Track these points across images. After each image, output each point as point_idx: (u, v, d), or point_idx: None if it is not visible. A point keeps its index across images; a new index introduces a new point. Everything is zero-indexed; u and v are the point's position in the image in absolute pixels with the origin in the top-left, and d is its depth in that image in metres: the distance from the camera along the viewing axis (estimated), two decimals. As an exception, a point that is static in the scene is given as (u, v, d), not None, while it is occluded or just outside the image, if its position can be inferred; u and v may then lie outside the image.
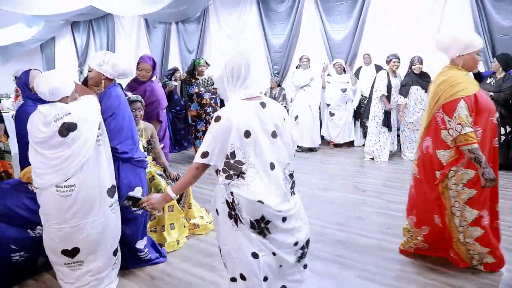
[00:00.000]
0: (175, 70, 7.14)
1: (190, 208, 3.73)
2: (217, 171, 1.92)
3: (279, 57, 8.73)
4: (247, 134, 1.83)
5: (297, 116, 6.83)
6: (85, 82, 5.18)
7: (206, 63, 6.00)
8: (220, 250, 2.06)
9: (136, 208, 2.39)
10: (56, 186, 2.39)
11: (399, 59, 5.96)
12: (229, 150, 1.84)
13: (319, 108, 7.18)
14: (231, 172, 1.86)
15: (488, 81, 5.33)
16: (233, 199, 1.87)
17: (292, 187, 1.99)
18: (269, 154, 1.88)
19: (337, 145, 7.17)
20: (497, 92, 5.14)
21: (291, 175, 1.98)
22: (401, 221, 3.66)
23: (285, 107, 8.45)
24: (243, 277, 1.93)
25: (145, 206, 2.11)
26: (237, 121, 1.82)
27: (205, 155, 1.88)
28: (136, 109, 3.33)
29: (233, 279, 1.98)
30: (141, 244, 2.97)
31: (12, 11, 6.77)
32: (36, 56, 14.43)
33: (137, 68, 4.00)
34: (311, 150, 6.91)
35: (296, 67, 7.14)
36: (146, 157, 3.00)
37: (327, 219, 3.85)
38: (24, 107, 2.90)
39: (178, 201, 3.61)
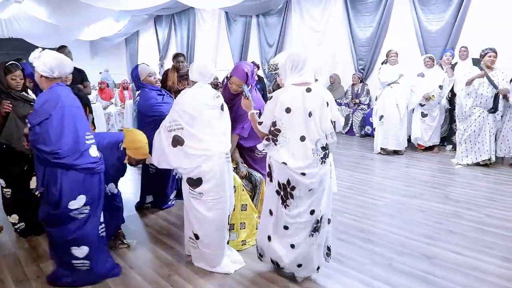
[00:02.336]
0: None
1: None
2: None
3: (364, 51, 8.24)
4: (288, 110, 2.41)
5: (382, 116, 6.30)
6: (165, 75, 5.29)
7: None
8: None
9: None
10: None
11: (496, 53, 5.20)
12: (273, 119, 2.47)
13: (407, 107, 6.54)
14: (270, 136, 2.50)
15: None
16: (270, 162, 2.52)
17: (324, 157, 2.47)
18: (301, 129, 2.42)
19: (425, 149, 6.51)
20: None
21: (323, 148, 2.46)
22: (501, 240, 3.26)
23: (368, 104, 7.96)
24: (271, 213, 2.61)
25: None
26: (281, 100, 2.43)
27: (260, 124, 2.56)
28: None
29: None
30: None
31: (105, 7, 7.06)
32: (121, 50, 15.33)
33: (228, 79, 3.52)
34: (396, 153, 6.35)
35: (382, 63, 6.62)
36: (99, 164, 2.66)
37: (414, 230, 3.46)
38: (148, 93, 3.76)
39: (252, 198, 3.40)
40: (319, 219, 2.53)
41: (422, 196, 4.35)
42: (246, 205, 3.24)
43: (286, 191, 2.47)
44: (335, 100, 8.37)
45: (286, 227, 2.54)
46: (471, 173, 5.24)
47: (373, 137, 6.66)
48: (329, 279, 2.70)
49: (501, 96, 5.25)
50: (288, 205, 2.49)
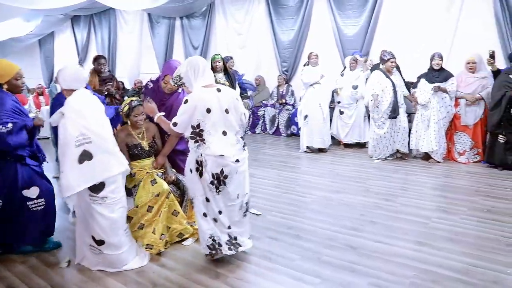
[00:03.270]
0: None
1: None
2: (188, 138, 2.73)
3: (288, 53, 8.51)
4: (208, 110, 2.65)
5: (306, 116, 6.53)
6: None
7: (222, 58, 5.62)
8: (192, 200, 2.91)
9: None
10: None
11: (395, 57, 5.76)
12: (195, 122, 2.66)
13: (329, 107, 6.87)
14: (197, 138, 2.68)
15: None
16: (202, 158, 2.67)
17: (244, 145, 2.85)
18: (222, 125, 2.71)
19: (348, 146, 6.88)
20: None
21: (242, 138, 2.85)
22: (415, 226, 3.53)
23: (293, 104, 8.20)
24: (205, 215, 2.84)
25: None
26: (200, 102, 2.65)
27: (174, 124, 2.72)
28: (139, 114, 3.24)
29: (205, 214, 2.82)
30: None
31: (10, 5, 6.49)
32: (34, 52, 14.24)
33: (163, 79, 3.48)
34: (321, 150, 6.62)
35: (304, 65, 6.88)
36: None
37: (339, 224, 3.62)
38: None
39: (181, 203, 3.35)
40: (246, 202, 2.92)
41: (346, 191, 4.57)
42: (178, 212, 3.22)
43: (219, 180, 2.70)
44: (261, 101, 8.66)
45: (220, 212, 2.78)
46: (388, 166, 5.63)
47: (299, 136, 6.88)
48: (259, 277, 2.73)
49: (401, 97, 5.77)
50: (220, 191, 2.73)
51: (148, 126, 3.40)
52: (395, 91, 5.72)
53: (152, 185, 3.18)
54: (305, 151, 6.59)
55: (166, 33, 10.63)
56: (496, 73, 5.35)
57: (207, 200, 2.76)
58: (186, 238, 3.30)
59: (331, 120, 6.83)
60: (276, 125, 8.36)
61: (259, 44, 8.90)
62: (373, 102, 5.81)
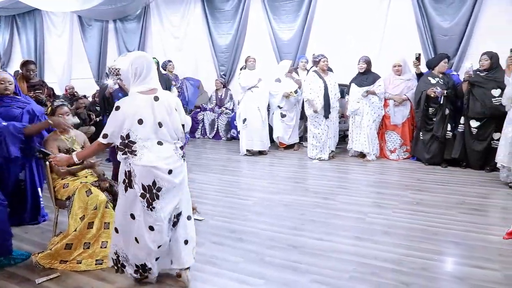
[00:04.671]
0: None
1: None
2: (117, 148, 2.43)
3: (225, 57, 8.52)
4: (140, 121, 2.37)
5: (245, 119, 6.57)
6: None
7: (157, 62, 5.54)
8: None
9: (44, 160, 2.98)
10: None
11: (326, 58, 6.01)
12: (125, 132, 2.37)
13: (268, 110, 6.98)
14: (126, 149, 2.39)
15: (434, 81, 5.45)
16: (130, 169, 2.41)
17: (183, 156, 2.57)
18: (157, 136, 2.42)
19: (287, 147, 7.02)
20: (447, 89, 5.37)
21: (181, 147, 2.56)
22: (353, 222, 3.69)
23: (232, 109, 8.22)
24: (116, 230, 2.59)
25: (51, 161, 2.70)
26: (131, 111, 2.36)
27: (105, 136, 2.42)
28: (63, 114, 3.20)
29: (116, 230, 2.59)
30: None
31: None
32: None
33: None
34: (261, 153, 6.70)
35: (241, 69, 6.93)
36: None
37: (280, 224, 3.69)
38: None
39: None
40: (176, 214, 2.56)
41: (286, 191, 4.66)
42: (109, 223, 3.02)
43: (152, 193, 2.41)
44: (201, 105, 8.59)
45: (151, 228, 2.46)
46: (325, 166, 5.83)
47: (239, 139, 6.91)
48: (205, 284, 2.69)
49: (335, 99, 6.05)
50: (154, 207, 2.43)
51: (77, 134, 3.33)
52: (326, 91, 5.93)
53: (88, 195, 3.02)
54: (245, 154, 6.63)
55: (99, 36, 10.19)
56: (420, 75, 5.78)
57: (132, 217, 2.48)
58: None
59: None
60: (215, 129, 8.33)
61: (197, 48, 8.83)
62: (309, 105, 6.01)
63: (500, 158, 4.61)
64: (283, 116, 6.84)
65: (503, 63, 4.95)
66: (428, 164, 5.59)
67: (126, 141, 2.37)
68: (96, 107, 7.20)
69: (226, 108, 8.31)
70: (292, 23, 7.62)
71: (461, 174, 5.18)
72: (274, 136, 6.97)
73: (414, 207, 4.02)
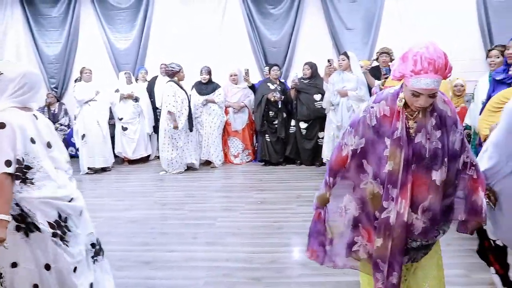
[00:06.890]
0: None
1: None
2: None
3: (55, 68, 7.73)
4: (33, 140, 1.92)
5: (84, 135, 6.10)
6: None
7: None
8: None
9: None
10: None
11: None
12: (19, 155, 1.86)
13: (109, 124, 6.59)
14: (19, 174, 1.87)
15: (272, 87, 6.03)
16: (22, 208, 1.89)
17: (71, 177, 2.21)
18: (49, 161, 2.00)
19: (132, 162, 6.75)
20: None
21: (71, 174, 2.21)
22: (205, 229, 3.78)
23: (68, 125, 7.52)
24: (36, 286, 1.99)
25: None
26: (22, 128, 1.88)
27: (8, 164, 1.82)
28: None
29: None
30: None
31: None
32: None
33: None
34: (104, 170, 6.29)
35: (75, 80, 6.43)
36: None
37: (130, 242, 3.55)
38: None
39: None
40: (95, 241, 2.28)
41: (134, 207, 4.50)
42: None
43: (61, 228, 2.01)
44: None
45: (75, 269, 2.06)
46: (172, 176, 5.83)
47: (78, 157, 6.37)
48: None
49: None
50: (67, 241, 2.03)
51: None
52: (189, 103, 5.92)
53: None
54: (87, 173, 6.16)
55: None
56: (252, 87, 6.41)
57: (47, 267, 1.98)
58: None
59: (112, 137, 6.57)
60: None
61: (20, 58, 7.81)
62: (171, 119, 5.72)
63: (326, 154, 5.34)
64: (124, 129, 6.56)
65: (321, 71, 5.78)
66: (276, 164, 6.08)
67: (17, 166, 1.86)
68: None
69: (61, 125, 7.55)
70: (128, 32, 7.40)
71: (296, 171, 5.79)
72: (116, 151, 6.65)
73: (258, 206, 4.32)
